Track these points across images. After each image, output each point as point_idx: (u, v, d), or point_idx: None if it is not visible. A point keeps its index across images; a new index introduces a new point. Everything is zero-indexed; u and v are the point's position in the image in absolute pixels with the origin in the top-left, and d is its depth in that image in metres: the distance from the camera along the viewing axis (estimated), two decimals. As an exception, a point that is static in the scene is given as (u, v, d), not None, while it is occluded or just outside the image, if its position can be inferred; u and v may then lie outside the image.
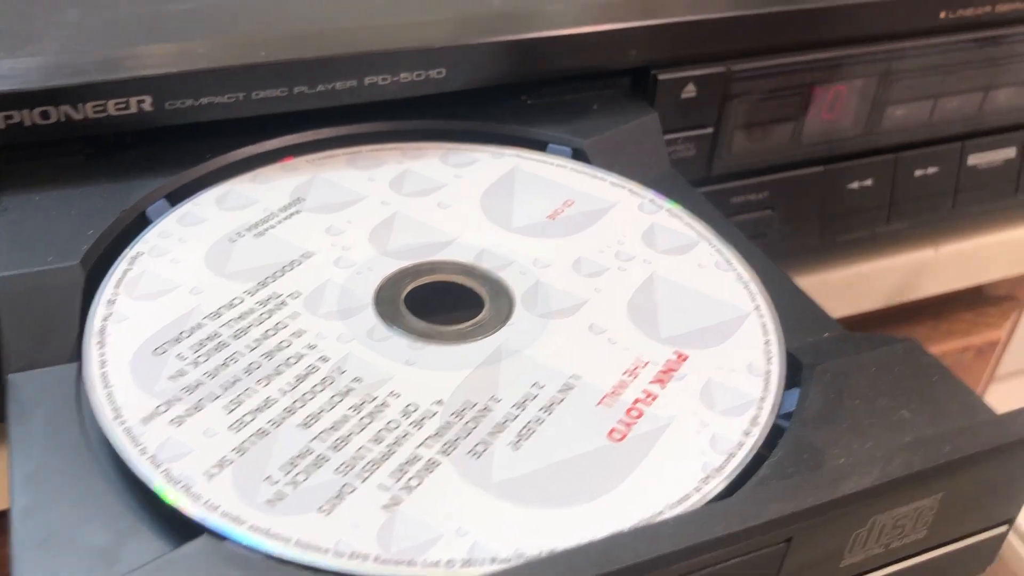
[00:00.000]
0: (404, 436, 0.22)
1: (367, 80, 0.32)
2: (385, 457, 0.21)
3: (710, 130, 0.38)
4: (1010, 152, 0.47)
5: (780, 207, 0.42)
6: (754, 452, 0.22)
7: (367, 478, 0.20)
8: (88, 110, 0.28)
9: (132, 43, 0.30)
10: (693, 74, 0.37)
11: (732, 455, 0.22)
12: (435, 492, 0.20)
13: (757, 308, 0.27)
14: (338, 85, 0.31)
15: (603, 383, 0.24)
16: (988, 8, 0.40)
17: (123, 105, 0.29)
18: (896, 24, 0.39)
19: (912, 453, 0.20)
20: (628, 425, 0.22)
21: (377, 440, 0.21)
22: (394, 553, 0.19)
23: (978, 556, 0.24)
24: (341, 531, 0.19)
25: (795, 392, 0.24)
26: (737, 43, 0.37)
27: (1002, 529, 0.24)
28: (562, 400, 0.23)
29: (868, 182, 0.44)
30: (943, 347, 0.58)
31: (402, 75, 0.32)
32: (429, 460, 0.21)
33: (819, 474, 0.21)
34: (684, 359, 0.25)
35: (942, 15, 0.40)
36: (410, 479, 0.20)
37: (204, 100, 0.30)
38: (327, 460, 0.21)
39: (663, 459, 0.22)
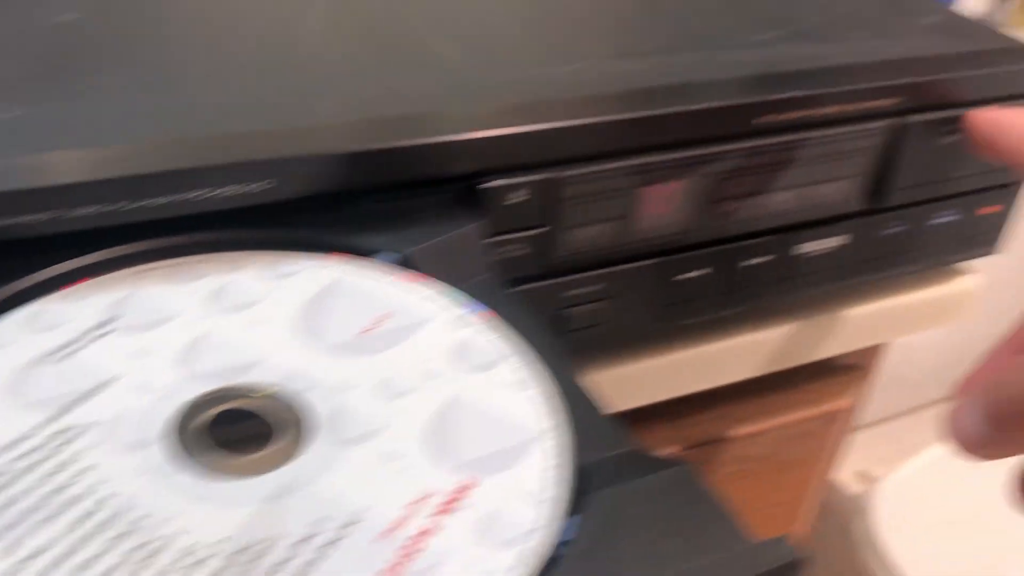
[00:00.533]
0: (179, 581, 0.22)
1: (191, 195, 0.32)
2: (156, 605, 0.22)
3: (542, 231, 0.40)
4: (837, 240, 0.49)
5: (616, 298, 0.44)
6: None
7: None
8: None
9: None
10: (524, 180, 0.38)
11: (502, 592, 0.23)
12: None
13: (548, 429, 0.28)
14: (161, 200, 0.32)
15: (385, 517, 0.25)
16: (802, 113, 0.43)
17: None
18: (716, 129, 0.42)
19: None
20: (401, 564, 0.23)
21: (151, 586, 0.22)
22: None
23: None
24: None
25: (576, 519, 0.26)
26: (565, 152, 0.39)
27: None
28: (342, 538, 0.24)
29: (702, 271, 0.46)
30: (795, 415, 0.61)
31: (228, 188, 0.33)
32: (200, 607, 0.22)
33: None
34: (470, 487, 0.26)
35: (759, 120, 0.42)
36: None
37: (15, 220, 0.30)
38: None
39: (432, 599, 0.23)
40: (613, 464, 0.28)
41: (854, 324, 0.55)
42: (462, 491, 0.26)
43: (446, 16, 0.47)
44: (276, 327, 0.31)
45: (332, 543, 0.24)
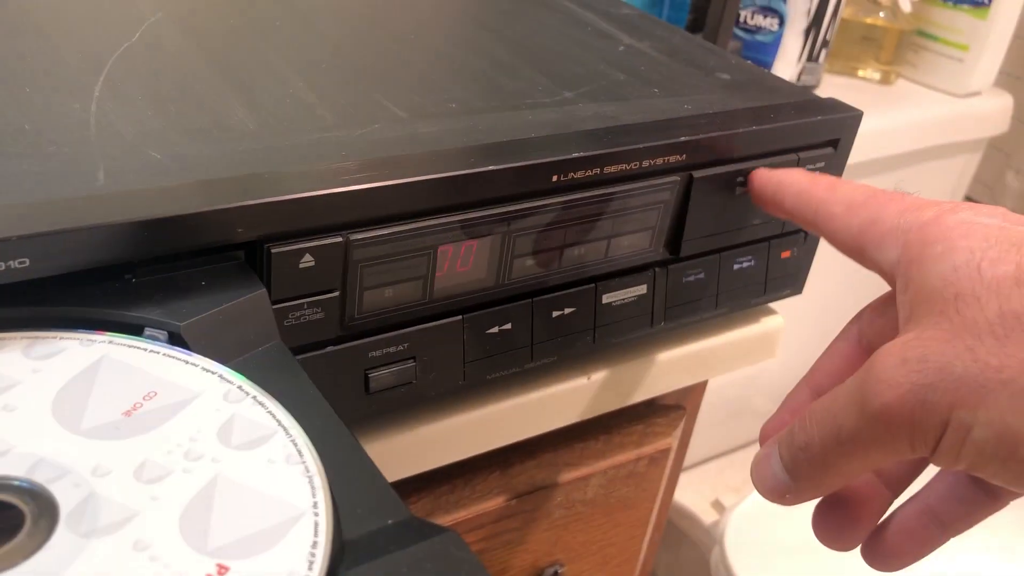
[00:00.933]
0: None
1: (-62, 274, 0.31)
2: None
3: (336, 294, 0.40)
4: (640, 289, 0.51)
5: (421, 357, 0.44)
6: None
7: None
8: None
9: None
10: (310, 245, 0.38)
11: None
12: None
13: (315, 505, 0.28)
14: (-98, 280, 0.30)
15: (127, 612, 0.24)
16: (596, 170, 0.45)
17: None
18: (513, 187, 0.43)
19: None
20: (135, 663, 0.22)
21: None
22: None
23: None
24: None
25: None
26: (353, 214, 0.39)
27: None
28: (75, 639, 0.23)
29: (507, 326, 0.47)
30: (616, 459, 0.63)
31: (-20, 265, 0.31)
32: None
33: None
34: (225, 572, 0.25)
35: (554, 179, 0.44)
36: None
37: None
38: None
39: None
40: (381, 535, 0.28)
41: (669, 366, 0.57)
42: (215, 577, 0.25)
43: (240, 79, 0.46)
44: (30, 412, 0.29)
45: (65, 645, 0.22)
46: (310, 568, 0.26)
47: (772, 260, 0.56)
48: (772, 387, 1.35)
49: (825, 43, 1.13)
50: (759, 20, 1.11)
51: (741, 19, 1.12)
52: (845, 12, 1.19)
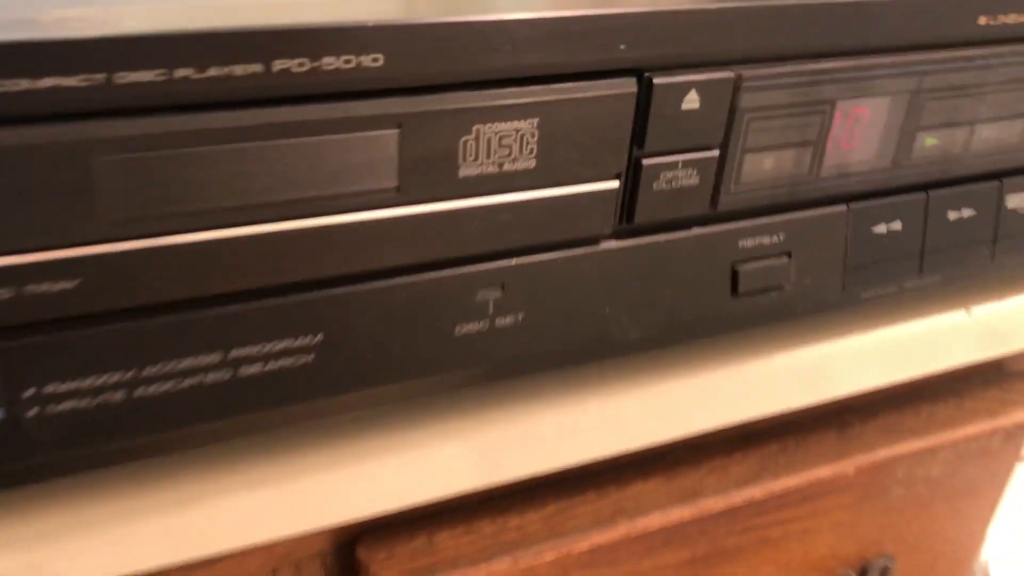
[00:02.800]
0: None
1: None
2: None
3: (715, 152, 0.31)
4: (1054, 194, 0.40)
5: (798, 253, 0.35)
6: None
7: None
8: None
9: None
10: (698, 78, 0.29)
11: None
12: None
13: None
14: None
15: None
16: (1036, 16, 0.34)
17: None
18: (926, 31, 0.33)
19: None
20: None
21: None
22: None
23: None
24: None
25: None
26: (747, 43, 0.30)
27: (611, 185, 0.29)
28: None
29: (896, 224, 0.37)
30: (968, 430, 0.51)
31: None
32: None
33: None
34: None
35: (982, 21, 0.33)
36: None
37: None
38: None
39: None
40: None
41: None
42: None
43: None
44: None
45: None
46: None
47: None
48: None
49: None
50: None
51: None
52: None
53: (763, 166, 0.32)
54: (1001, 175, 0.38)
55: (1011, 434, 0.52)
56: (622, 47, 0.28)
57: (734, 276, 0.34)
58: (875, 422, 0.48)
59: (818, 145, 0.33)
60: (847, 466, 0.46)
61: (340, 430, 0.31)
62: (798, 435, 0.46)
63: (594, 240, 0.31)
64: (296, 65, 0.23)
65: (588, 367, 0.35)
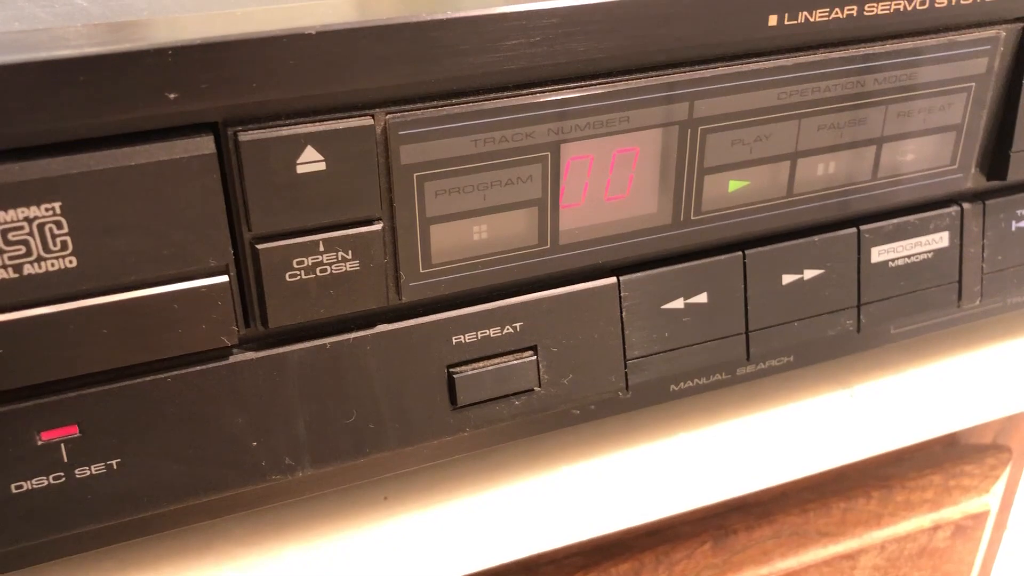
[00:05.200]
0: None
1: None
2: None
3: (377, 227, 0.23)
4: (938, 240, 0.30)
5: (546, 346, 0.26)
6: None
7: None
8: None
9: None
10: (313, 130, 0.21)
11: None
12: None
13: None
14: None
15: None
16: (852, 8, 0.25)
17: None
18: (704, 35, 0.24)
19: None
20: None
21: None
22: None
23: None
24: None
25: None
26: (393, 74, 0.21)
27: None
28: None
29: (700, 298, 0.28)
30: (900, 527, 0.40)
31: None
32: None
33: None
34: None
35: (772, 20, 0.24)
36: None
37: None
38: None
39: None
40: None
41: (986, 379, 0.34)
42: None
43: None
44: None
45: None
46: None
47: None
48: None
49: None
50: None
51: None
52: None
53: (468, 236, 0.24)
54: (858, 220, 0.29)
55: (963, 528, 0.41)
56: (171, 96, 0.20)
57: (450, 383, 0.25)
58: (767, 527, 0.38)
59: (547, 204, 0.24)
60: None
61: None
62: (660, 548, 0.36)
63: (218, 355, 0.23)
64: None
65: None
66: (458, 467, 0.28)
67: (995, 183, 0.30)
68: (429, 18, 0.21)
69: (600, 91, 0.23)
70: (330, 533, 0.27)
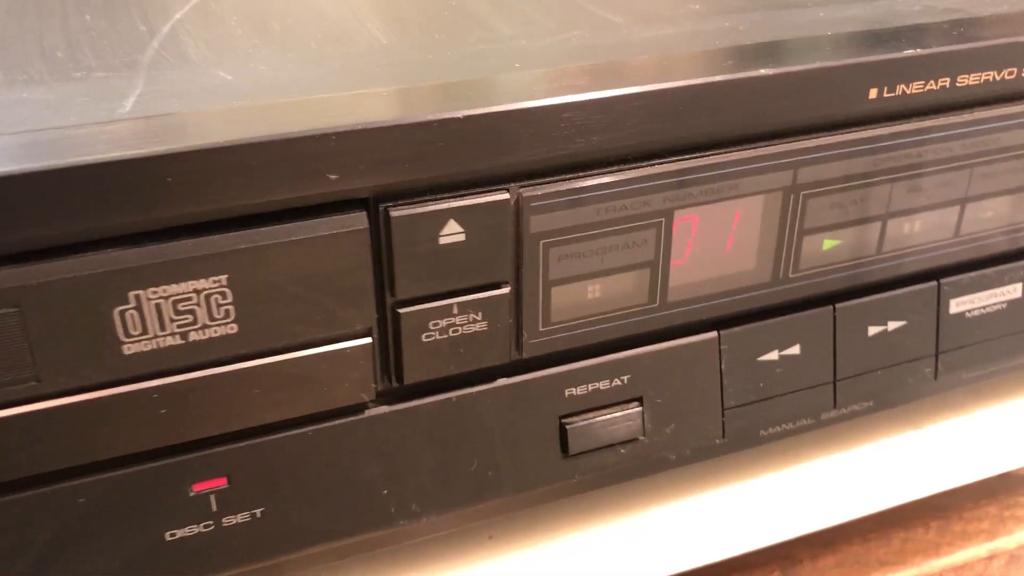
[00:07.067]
0: None
1: None
2: None
3: (506, 290, 0.24)
4: (1014, 291, 0.31)
5: (652, 398, 0.27)
6: None
7: None
8: None
9: None
10: (454, 206, 0.22)
11: None
12: None
13: None
14: None
15: None
16: (945, 81, 0.26)
17: None
18: (805, 110, 0.25)
19: None
20: None
21: None
22: None
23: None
24: None
25: None
26: (528, 153, 0.23)
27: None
28: None
29: (793, 349, 0.29)
30: (957, 556, 0.42)
31: None
32: None
33: None
34: None
35: (873, 94, 0.26)
36: None
37: None
38: None
39: None
40: None
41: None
42: None
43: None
44: None
45: None
46: None
47: None
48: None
49: None
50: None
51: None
52: None
53: (583, 296, 0.25)
54: (938, 273, 0.30)
55: (1016, 557, 0.43)
56: (332, 176, 0.21)
57: (562, 433, 0.27)
58: (831, 556, 0.39)
59: (658, 265, 0.26)
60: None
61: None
62: (737, 574, 0.38)
63: (355, 409, 0.24)
64: None
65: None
66: (556, 507, 0.30)
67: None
68: (562, 101, 0.22)
69: (713, 161, 0.25)
70: (440, 571, 0.28)
